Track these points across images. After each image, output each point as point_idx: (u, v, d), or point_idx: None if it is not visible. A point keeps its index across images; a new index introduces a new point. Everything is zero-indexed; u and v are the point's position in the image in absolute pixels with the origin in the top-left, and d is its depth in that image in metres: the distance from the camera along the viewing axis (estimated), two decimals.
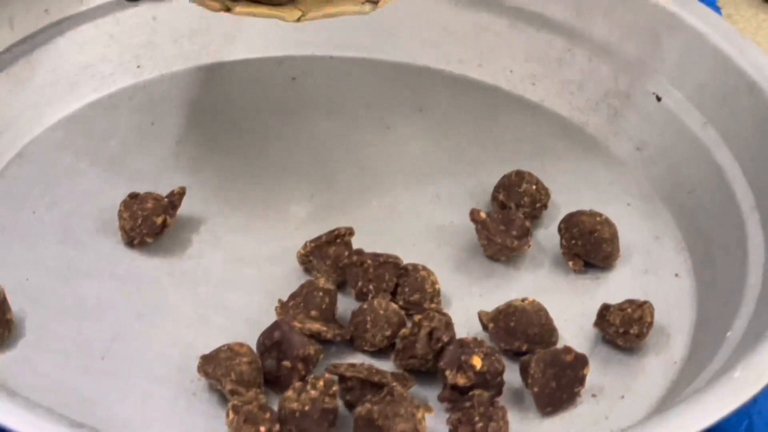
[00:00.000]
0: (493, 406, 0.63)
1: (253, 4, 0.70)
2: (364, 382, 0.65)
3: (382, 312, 0.69)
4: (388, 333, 0.69)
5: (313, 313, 0.69)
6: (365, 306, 0.69)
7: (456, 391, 0.65)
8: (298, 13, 0.70)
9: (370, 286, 0.71)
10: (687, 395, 0.62)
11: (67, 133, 0.84)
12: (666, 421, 0.58)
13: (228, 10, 0.70)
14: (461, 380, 0.65)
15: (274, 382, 0.66)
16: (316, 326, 0.68)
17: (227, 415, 0.62)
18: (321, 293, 0.70)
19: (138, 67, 0.89)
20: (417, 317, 0.68)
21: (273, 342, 0.66)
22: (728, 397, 0.59)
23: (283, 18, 0.69)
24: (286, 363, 0.66)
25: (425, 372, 0.68)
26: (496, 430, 0.62)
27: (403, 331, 0.68)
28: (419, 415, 0.62)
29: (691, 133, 0.82)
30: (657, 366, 0.71)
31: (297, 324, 0.67)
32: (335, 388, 0.64)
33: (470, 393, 0.64)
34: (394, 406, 0.62)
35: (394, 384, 0.64)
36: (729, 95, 0.81)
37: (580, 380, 0.67)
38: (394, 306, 0.69)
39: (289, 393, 0.63)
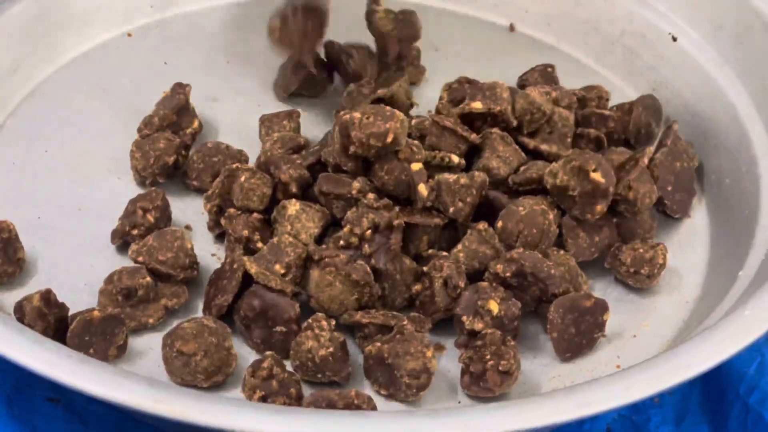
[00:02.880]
0: (505, 345, 0.63)
1: None
2: (381, 327, 0.65)
3: (398, 276, 0.68)
4: (407, 295, 0.68)
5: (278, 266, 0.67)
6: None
7: (473, 337, 0.65)
8: None
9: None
10: (697, 333, 0.62)
11: (80, 72, 0.84)
12: (675, 358, 0.58)
13: None
14: (478, 325, 0.65)
15: (268, 348, 0.65)
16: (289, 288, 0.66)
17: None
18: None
19: (151, 6, 0.89)
20: (425, 269, 0.67)
21: (256, 312, 0.65)
22: (738, 335, 0.59)
23: None
24: (280, 328, 0.65)
25: (442, 318, 0.68)
26: (506, 368, 0.62)
27: (416, 287, 0.68)
28: (429, 353, 0.62)
29: (707, 73, 0.82)
30: (669, 306, 0.71)
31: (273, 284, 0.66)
32: (332, 321, 0.64)
33: (483, 332, 0.64)
34: (405, 345, 0.62)
35: (404, 323, 0.64)
36: (745, 35, 0.81)
37: (600, 326, 0.67)
38: (407, 263, 0.68)
39: (309, 344, 0.63)
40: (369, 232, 0.66)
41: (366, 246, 0.66)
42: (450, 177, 0.69)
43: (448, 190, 0.68)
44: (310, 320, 0.64)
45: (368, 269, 0.66)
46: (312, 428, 0.52)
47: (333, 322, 0.64)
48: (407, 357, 0.62)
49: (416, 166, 0.68)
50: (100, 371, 0.54)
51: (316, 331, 0.63)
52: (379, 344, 0.63)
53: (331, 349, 0.63)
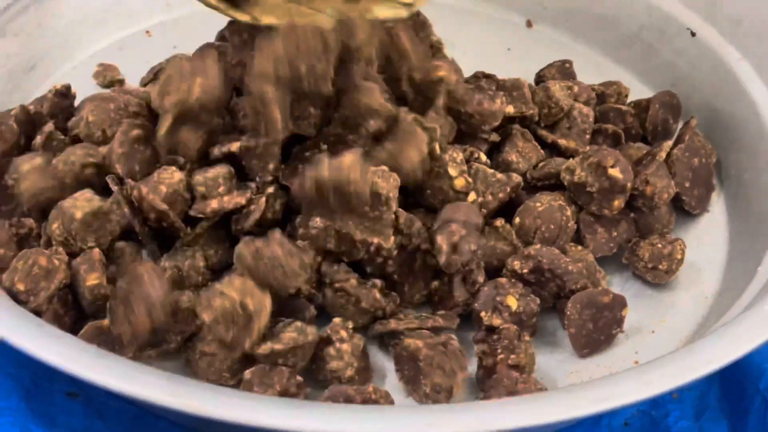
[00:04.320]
0: (519, 340, 0.63)
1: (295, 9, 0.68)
2: (418, 330, 0.65)
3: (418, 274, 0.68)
4: (425, 292, 0.68)
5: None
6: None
7: (492, 333, 0.65)
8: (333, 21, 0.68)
9: None
10: (716, 329, 0.62)
11: (98, 68, 0.84)
12: (694, 353, 0.57)
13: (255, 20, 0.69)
14: (497, 321, 0.65)
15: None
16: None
17: None
18: None
19: (168, 4, 0.89)
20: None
21: None
22: (758, 330, 0.58)
23: (323, 26, 0.66)
24: None
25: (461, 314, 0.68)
26: (516, 363, 0.62)
27: (435, 284, 0.67)
28: (461, 377, 0.62)
29: (726, 69, 0.82)
30: (688, 301, 0.70)
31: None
32: (349, 325, 0.64)
33: (500, 327, 0.64)
34: (443, 359, 0.62)
35: (452, 336, 0.63)
36: (764, 29, 0.80)
37: (618, 322, 0.66)
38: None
39: (334, 364, 0.62)
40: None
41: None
42: (488, 168, 0.69)
43: (483, 178, 0.68)
44: (329, 331, 0.63)
45: (377, 295, 0.65)
46: (330, 422, 0.52)
47: (350, 326, 0.64)
48: (438, 371, 0.62)
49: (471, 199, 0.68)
50: (118, 365, 0.54)
51: (337, 345, 0.63)
52: (420, 343, 0.63)
53: (355, 365, 0.63)
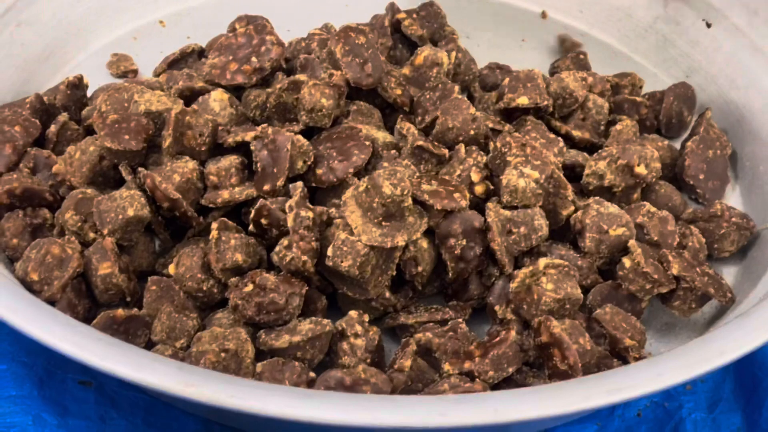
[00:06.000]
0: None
1: None
2: (428, 322, 0.65)
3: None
4: (437, 283, 0.68)
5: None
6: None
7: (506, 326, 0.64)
8: None
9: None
10: (730, 320, 0.61)
11: (112, 58, 0.84)
12: (708, 344, 0.57)
13: None
14: (510, 315, 0.64)
15: None
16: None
17: None
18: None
19: None
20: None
21: None
22: None
23: None
24: None
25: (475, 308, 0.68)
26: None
27: (449, 276, 0.67)
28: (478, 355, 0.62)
29: (741, 60, 0.81)
30: None
31: None
32: (365, 318, 0.63)
33: (513, 321, 0.64)
34: (455, 344, 0.62)
35: (460, 321, 0.63)
36: None
37: (637, 314, 0.66)
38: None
39: (347, 360, 0.62)
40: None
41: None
42: None
43: None
44: (344, 324, 0.63)
45: (387, 293, 0.65)
46: (344, 412, 0.52)
47: (366, 318, 0.63)
48: (453, 356, 0.62)
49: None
50: (131, 355, 0.54)
51: (351, 340, 0.62)
52: (430, 335, 0.63)
53: (368, 361, 0.62)
